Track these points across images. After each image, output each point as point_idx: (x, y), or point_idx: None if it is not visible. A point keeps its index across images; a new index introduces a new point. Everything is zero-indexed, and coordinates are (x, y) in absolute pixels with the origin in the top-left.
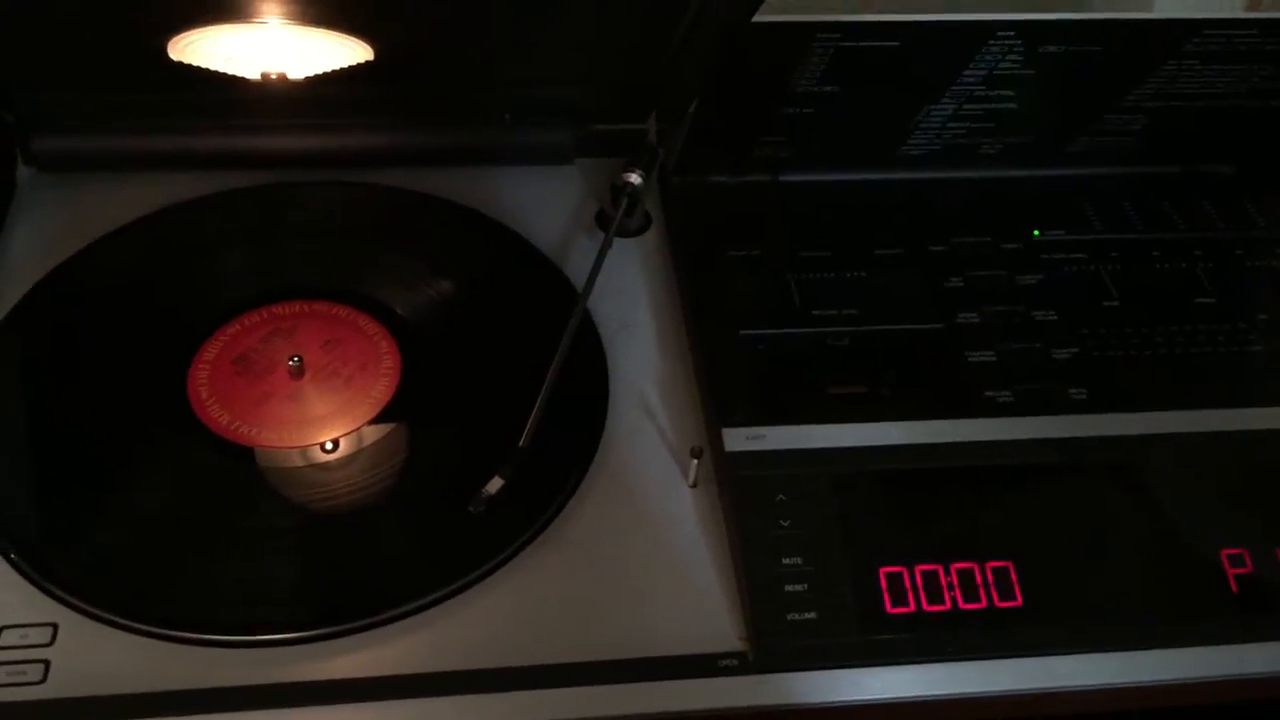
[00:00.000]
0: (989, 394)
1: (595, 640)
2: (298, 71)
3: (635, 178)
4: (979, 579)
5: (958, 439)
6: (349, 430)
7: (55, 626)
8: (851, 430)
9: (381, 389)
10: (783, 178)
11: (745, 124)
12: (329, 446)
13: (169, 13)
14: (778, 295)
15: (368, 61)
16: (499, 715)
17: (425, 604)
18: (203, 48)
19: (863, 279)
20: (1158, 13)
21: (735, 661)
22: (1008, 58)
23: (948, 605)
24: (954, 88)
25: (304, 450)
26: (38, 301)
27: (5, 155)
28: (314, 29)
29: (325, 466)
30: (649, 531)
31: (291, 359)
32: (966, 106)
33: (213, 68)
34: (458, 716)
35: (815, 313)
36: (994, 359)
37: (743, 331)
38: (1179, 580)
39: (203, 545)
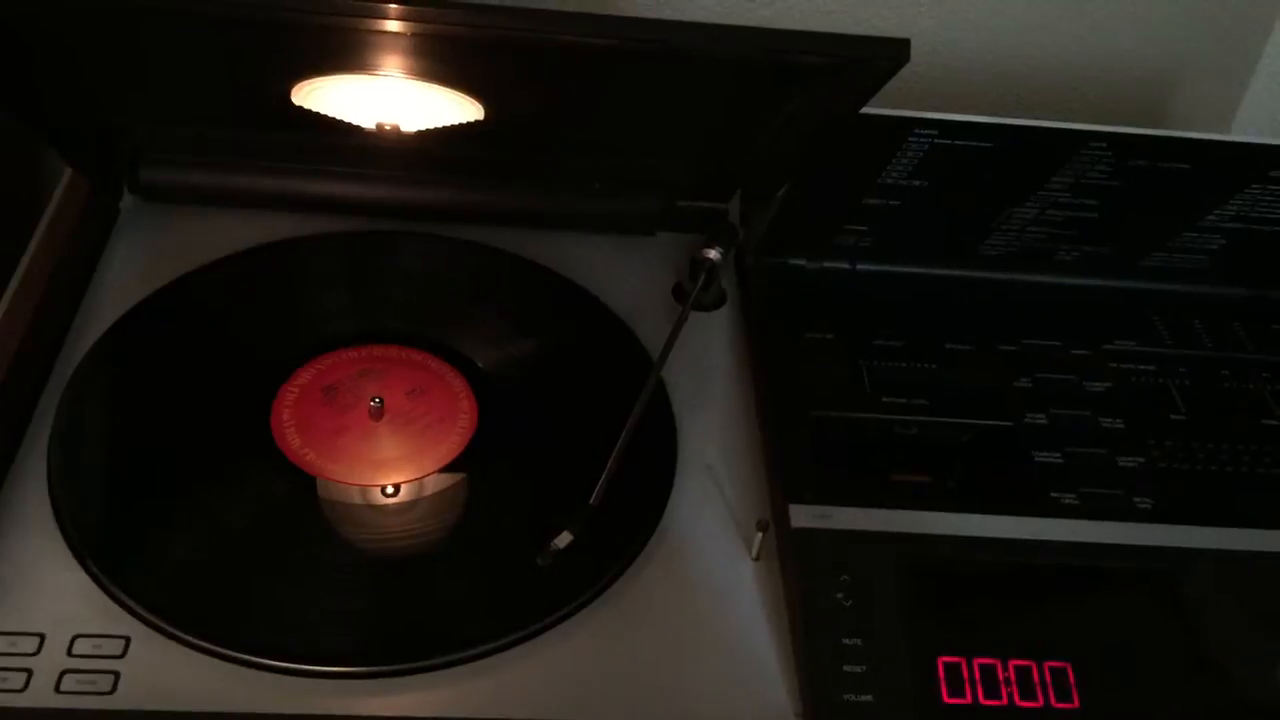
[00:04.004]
0: (1054, 495)
1: (650, 704)
2: (410, 125)
3: (714, 254)
4: (1036, 677)
5: (1021, 536)
6: (414, 477)
7: (127, 639)
8: (917, 518)
9: (455, 440)
10: (860, 266)
11: (830, 211)
12: (389, 490)
13: (299, 60)
14: (849, 380)
15: (476, 121)
16: None
17: (483, 652)
18: (324, 94)
19: (933, 371)
20: (1245, 136)
21: None
22: (1096, 168)
23: (1004, 701)
24: (1039, 192)
25: (364, 490)
26: (133, 323)
27: (112, 183)
28: (433, 85)
29: (383, 509)
30: (709, 600)
31: (373, 399)
32: (1049, 212)
33: (330, 114)
34: None
35: (885, 400)
36: (1060, 460)
37: (813, 412)
38: (1234, 696)
39: (267, 569)
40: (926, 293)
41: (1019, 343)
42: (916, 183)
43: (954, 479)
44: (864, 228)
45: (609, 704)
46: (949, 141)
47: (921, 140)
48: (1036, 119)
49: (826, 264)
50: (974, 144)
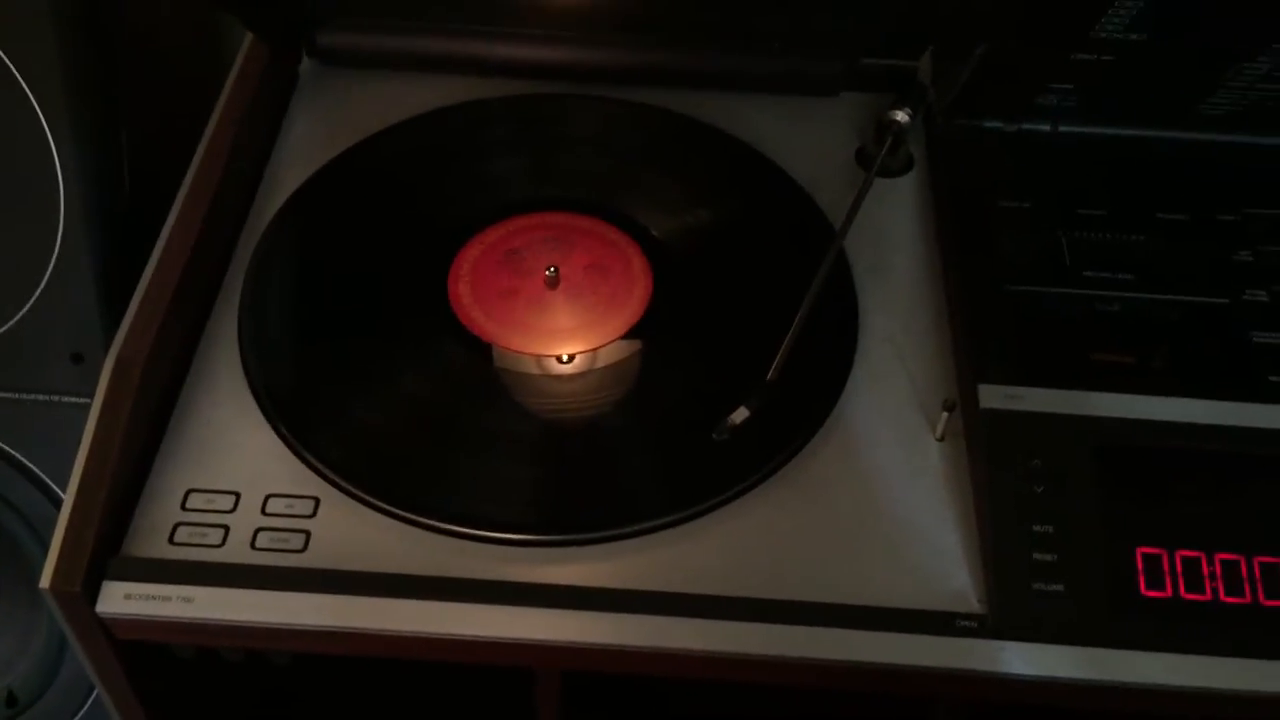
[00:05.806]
0: (1273, 379)
1: (826, 583)
2: None
3: (902, 116)
4: (1245, 572)
5: (1234, 423)
6: (589, 347)
7: (317, 500)
8: (1117, 401)
9: (630, 310)
10: (1063, 128)
11: (1034, 69)
12: (564, 359)
13: None
14: (1047, 252)
15: None
16: (722, 642)
17: (657, 525)
18: None
19: (1141, 243)
20: None
21: (974, 624)
22: None
23: (1208, 596)
24: (1276, 45)
25: (539, 358)
26: (315, 189)
27: (291, 48)
28: None
29: (558, 378)
30: (889, 480)
31: (549, 269)
32: None
33: None
34: (682, 638)
35: (1086, 274)
36: None
37: (1006, 286)
38: None
39: (445, 436)
40: (1136, 157)
41: (1240, 212)
42: (1136, 36)
43: (1160, 360)
44: (1069, 86)
45: (782, 582)
46: None
47: None
48: None
49: (1025, 126)
50: None
